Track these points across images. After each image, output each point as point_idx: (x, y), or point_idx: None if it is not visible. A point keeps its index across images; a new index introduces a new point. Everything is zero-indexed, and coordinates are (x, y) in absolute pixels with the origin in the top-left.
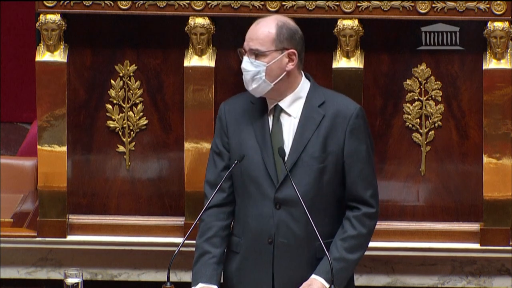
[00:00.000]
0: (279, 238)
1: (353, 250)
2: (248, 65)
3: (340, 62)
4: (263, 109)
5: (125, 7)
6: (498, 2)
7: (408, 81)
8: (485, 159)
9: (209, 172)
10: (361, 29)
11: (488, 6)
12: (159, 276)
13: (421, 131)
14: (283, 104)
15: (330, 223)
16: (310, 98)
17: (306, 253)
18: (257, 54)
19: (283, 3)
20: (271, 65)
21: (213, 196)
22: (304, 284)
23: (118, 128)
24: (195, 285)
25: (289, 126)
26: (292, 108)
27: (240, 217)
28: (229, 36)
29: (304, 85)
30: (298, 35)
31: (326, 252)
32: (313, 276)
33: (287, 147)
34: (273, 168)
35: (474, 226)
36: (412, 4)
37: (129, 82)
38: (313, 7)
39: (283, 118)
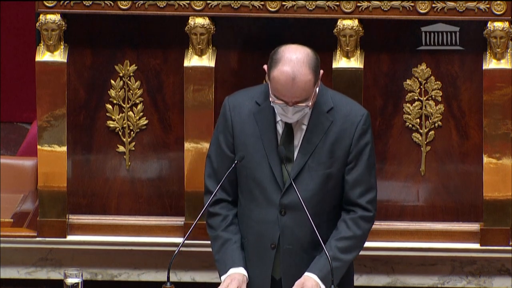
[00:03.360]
0: (285, 244)
1: (347, 251)
2: (295, 115)
3: (340, 62)
4: (270, 112)
5: (125, 7)
6: (498, 2)
7: (408, 81)
8: (485, 159)
9: (211, 167)
10: (361, 29)
11: (488, 6)
12: (159, 276)
13: (421, 131)
14: None
15: (330, 226)
16: (319, 104)
17: (310, 256)
18: (301, 100)
19: (283, 3)
20: (313, 98)
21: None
22: (298, 282)
23: (118, 128)
24: (225, 271)
25: (298, 132)
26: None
27: (243, 217)
28: (229, 36)
29: None
30: (316, 53)
31: (326, 252)
32: (306, 273)
33: (295, 152)
34: (279, 173)
35: (474, 226)
36: (412, 4)
37: (129, 82)
38: (313, 7)
39: (293, 124)
